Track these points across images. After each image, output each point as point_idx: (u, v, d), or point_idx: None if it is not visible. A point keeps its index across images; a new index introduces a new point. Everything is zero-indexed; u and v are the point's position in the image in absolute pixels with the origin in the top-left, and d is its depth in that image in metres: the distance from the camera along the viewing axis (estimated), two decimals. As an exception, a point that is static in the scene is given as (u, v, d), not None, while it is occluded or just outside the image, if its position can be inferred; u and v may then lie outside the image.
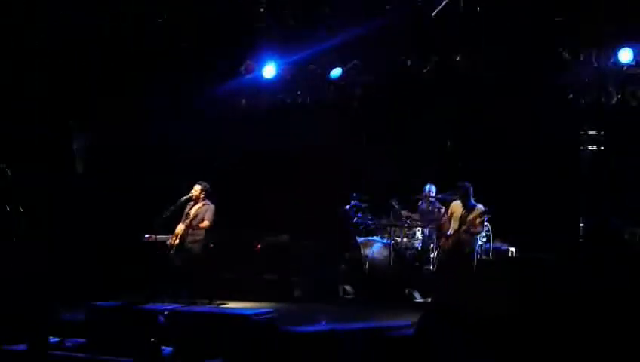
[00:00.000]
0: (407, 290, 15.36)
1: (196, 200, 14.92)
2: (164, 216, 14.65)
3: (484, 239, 15.02)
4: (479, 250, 14.70)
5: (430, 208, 16.01)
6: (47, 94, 16.37)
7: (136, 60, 16.73)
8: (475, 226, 14.34)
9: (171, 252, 14.75)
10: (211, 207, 14.95)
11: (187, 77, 17.03)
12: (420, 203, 16.21)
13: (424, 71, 16.48)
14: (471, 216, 14.34)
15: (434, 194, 16.03)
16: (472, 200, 14.48)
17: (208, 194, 15.00)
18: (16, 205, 15.44)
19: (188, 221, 14.77)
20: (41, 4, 15.64)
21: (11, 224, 15.34)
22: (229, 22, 16.21)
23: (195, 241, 14.79)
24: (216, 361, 10.65)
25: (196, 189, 14.92)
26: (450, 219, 14.67)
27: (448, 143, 16.81)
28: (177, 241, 14.70)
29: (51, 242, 15.74)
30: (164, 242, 14.92)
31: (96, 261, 16.04)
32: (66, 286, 14.92)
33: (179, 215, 14.92)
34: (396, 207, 16.07)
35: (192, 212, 14.82)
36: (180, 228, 14.81)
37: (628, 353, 9.44)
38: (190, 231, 14.76)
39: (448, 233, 14.65)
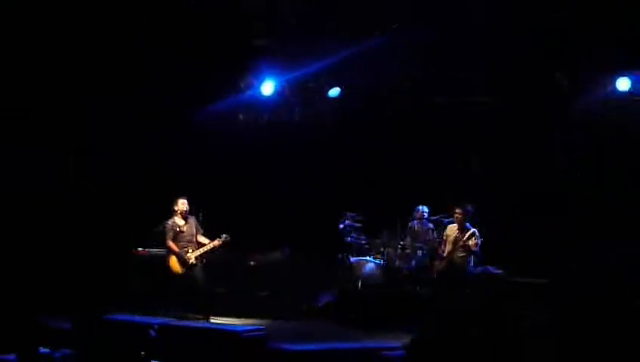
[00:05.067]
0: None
1: (185, 215, 14.90)
2: (156, 231, 14.70)
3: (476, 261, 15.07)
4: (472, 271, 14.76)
5: (423, 229, 16.00)
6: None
7: (135, 73, 16.72)
8: (470, 247, 14.34)
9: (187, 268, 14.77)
10: (193, 218, 14.99)
11: (186, 91, 17.05)
12: (410, 223, 16.19)
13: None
14: (464, 239, 14.36)
15: (427, 216, 16.05)
16: (468, 224, 14.49)
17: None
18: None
19: (194, 238, 14.79)
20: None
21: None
22: (229, 38, 16.22)
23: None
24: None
25: (185, 203, 14.90)
26: (445, 241, 14.68)
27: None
28: (196, 257, 14.71)
29: (41, 251, 15.75)
30: (157, 256, 14.99)
31: (87, 272, 16.01)
32: (56, 296, 14.96)
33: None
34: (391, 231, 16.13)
35: (186, 227, 14.81)
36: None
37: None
38: (193, 247, 14.78)
39: (442, 255, 14.66)
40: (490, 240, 14.78)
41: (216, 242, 14.75)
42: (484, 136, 16.67)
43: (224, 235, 14.71)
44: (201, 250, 14.75)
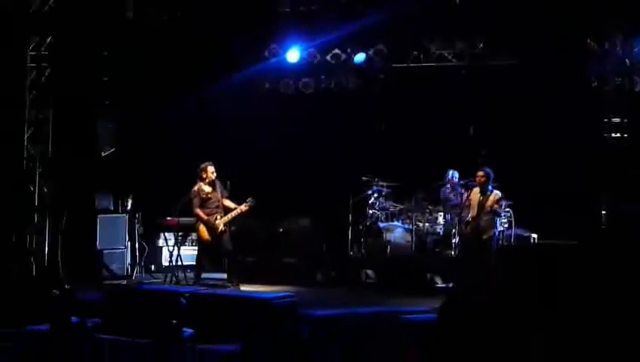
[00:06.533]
0: (429, 275, 15.31)
1: (212, 182, 14.80)
2: (183, 201, 14.65)
3: (506, 225, 15.01)
4: (499, 236, 14.67)
5: (453, 194, 15.98)
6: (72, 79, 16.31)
7: (162, 44, 16.73)
8: (494, 210, 14.27)
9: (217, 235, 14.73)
10: (218, 183, 14.91)
11: (212, 61, 17.04)
12: (442, 189, 16.17)
13: (449, 57, 16.61)
14: (488, 203, 14.26)
15: (457, 180, 16.01)
16: (490, 187, 14.38)
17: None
18: (39, 185, 15.53)
19: (220, 204, 14.74)
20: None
21: (34, 205, 15.43)
22: (254, 6, 16.21)
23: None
24: (234, 346, 10.61)
25: (213, 171, 14.77)
26: (468, 205, 14.59)
27: (471, 130, 16.70)
28: (224, 224, 14.68)
29: (77, 223, 15.84)
30: (187, 225, 14.97)
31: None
32: (90, 267, 15.09)
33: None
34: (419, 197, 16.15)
35: (213, 194, 14.71)
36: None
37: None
38: (221, 213, 14.73)
39: (466, 219, 14.56)
40: (522, 202, 14.74)
41: (243, 207, 14.58)
42: (513, 99, 16.52)
43: (249, 199, 14.58)
44: (229, 216, 14.62)
